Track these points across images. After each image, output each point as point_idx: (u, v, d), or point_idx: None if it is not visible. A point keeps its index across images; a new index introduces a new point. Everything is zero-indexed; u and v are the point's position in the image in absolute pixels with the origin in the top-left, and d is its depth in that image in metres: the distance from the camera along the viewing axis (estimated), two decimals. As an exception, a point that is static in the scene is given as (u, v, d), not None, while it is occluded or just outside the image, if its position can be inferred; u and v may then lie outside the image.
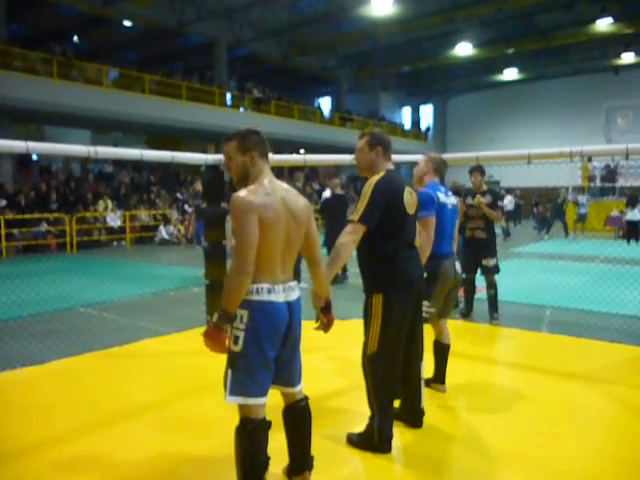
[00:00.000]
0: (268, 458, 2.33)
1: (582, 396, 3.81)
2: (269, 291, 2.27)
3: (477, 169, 5.98)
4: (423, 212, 3.35)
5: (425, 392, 3.36)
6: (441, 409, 3.57)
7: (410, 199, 2.97)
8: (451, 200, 3.85)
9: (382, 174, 2.91)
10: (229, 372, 2.30)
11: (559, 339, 5.32)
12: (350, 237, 2.81)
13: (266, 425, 2.32)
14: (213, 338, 2.24)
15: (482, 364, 4.64)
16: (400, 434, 3.09)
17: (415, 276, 2.98)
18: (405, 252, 2.94)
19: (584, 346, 5.08)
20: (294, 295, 2.37)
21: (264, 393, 2.30)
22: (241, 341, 2.25)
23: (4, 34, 15.86)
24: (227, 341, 2.27)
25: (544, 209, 19.06)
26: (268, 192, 2.28)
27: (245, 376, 2.26)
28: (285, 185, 2.44)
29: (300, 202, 2.41)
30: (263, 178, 2.35)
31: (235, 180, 2.43)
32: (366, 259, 2.96)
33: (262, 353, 2.26)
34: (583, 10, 20.26)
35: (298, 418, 2.51)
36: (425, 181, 3.78)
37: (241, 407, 2.29)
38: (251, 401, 2.26)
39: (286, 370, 2.41)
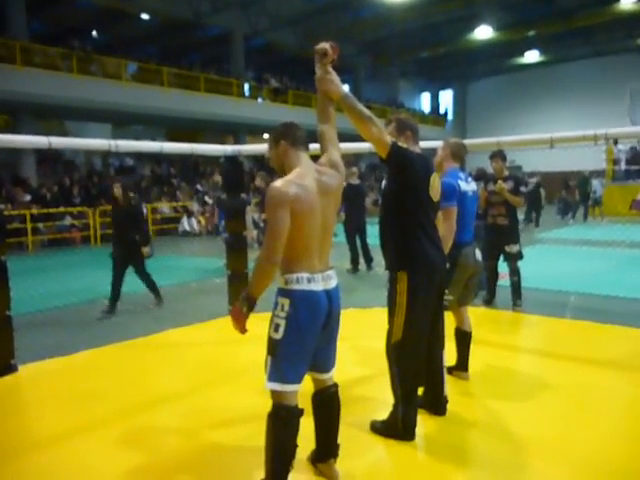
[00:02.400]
0: (296, 446, 2.35)
1: (607, 383, 3.76)
2: (309, 280, 2.29)
3: (498, 154, 5.89)
4: (445, 202, 3.33)
5: (448, 380, 3.36)
6: (464, 397, 3.56)
7: (436, 186, 2.96)
8: (471, 186, 3.80)
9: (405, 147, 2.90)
10: (269, 359, 2.34)
11: (583, 325, 5.25)
12: (379, 136, 2.73)
13: (299, 412, 2.34)
14: (235, 318, 2.33)
15: (505, 351, 4.60)
16: (423, 422, 3.09)
17: (438, 262, 2.94)
18: (428, 236, 2.91)
19: (609, 332, 5.01)
20: (333, 283, 2.39)
21: (300, 379, 2.34)
22: (282, 329, 2.28)
23: (25, 31, 16.04)
24: (246, 323, 2.33)
25: (569, 193, 18.76)
26: (303, 182, 2.29)
27: (284, 363, 2.29)
28: (322, 168, 2.45)
29: (334, 183, 2.43)
30: (298, 167, 2.37)
31: (277, 171, 2.48)
32: (390, 237, 2.95)
33: (302, 341, 2.29)
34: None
35: (328, 404, 2.54)
36: (444, 167, 3.74)
37: (275, 394, 2.32)
38: (288, 387, 2.30)
39: (322, 356, 2.45)
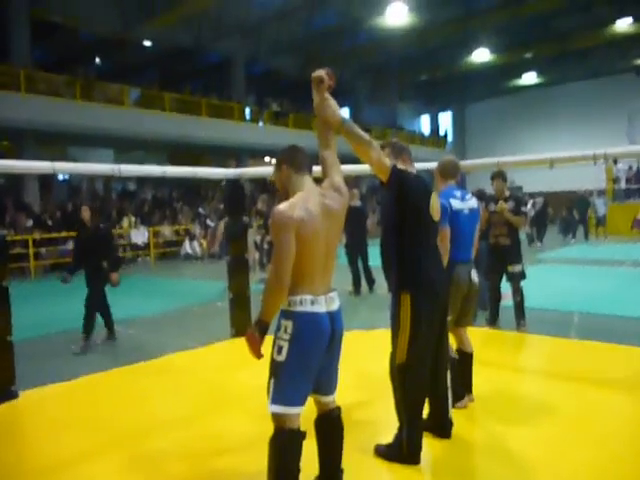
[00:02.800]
0: (299, 470, 2.33)
1: (613, 404, 3.71)
2: (312, 302, 2.30)
3: (498, 175, 5.92)
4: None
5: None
6: (469, 419, 3.51)
7: (436, 206, 2.99)
8: (468, 204, 3.73)
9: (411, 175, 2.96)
10: (272, 381, 2.33)
11: (588, 345, 5.21)
12: (379, 160, 2.77)
13: (302, 435, 2.33)
14: (249, 343, 2.34)
15: (510, 372, 4.56)
16: (428, 445, 3.05)
17: (440, 283, 2.94)
18: (430, 257, 2.93)
19: (614, 352, 4.96)
20: (335, 305, 2.40)
21: (303, 402, 2.34)
22: (285, 351, 2.28)
23: (28, 59, 16.29)
24: (261, 348, 2.33)
25: (568, 213, 18.83)
26: (307, 205, 2.31)
27: (287, 385, 2.29)
28: (325, 191, 2.47)
29: (337, 205, 2.44)
30: (301, 191, 2.39)
31: (281, 195, 2.49)
32: (391, 259, 2.94)
33: (305, 363, 2.29)
34: (601, 12, 20.05)
35: (331, 428, 2.51)
36: (439, 187, 3.74)
37: (278, 417, 2.30)
38: (291, 410, 2.29)
39: (325, 378, 2.44)
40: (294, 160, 2.46)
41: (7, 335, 4.16)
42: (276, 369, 2.31)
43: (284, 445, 2.29)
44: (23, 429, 3.87)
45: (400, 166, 2.91)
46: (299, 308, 2.29)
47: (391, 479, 2.87)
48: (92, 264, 6.01)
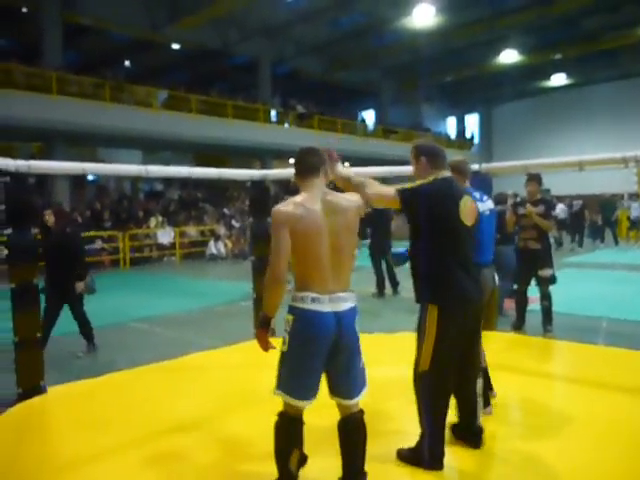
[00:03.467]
0: (304, 455, 2.57)
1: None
2: (313, 300, 2.38)
3: (534, 178, 5.80)
4: None
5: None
6: (495, 425, 3.47)
7: (467, 209, 2.81)
8: (487, 205, 3.70)
9: (424, 180, 2.82)
10: (278, 368, 2.52)
11: (616, 352, 5.10)
12: (377, 194, 2.79)
13: (298, 423, 2.52)
14: (257, 337, 2.57)
15: (536, 378, 4.48)
16: (452, 452, 3.02)
17: (472, 293, 2.83)
18: (461, 265, 2.79)
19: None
20: (344, 306, 2.41)
21: (304, 397, 2.44)
22: (286, 343, 2.47)
23: (60, 62, 16.65)
24: (268, 340, 2.54)
25: (596, 217, 18.44)
26: (305, 204, 2.40)
27: (289, 376, 2.46)
28: (339, 196, 2.55)
29: (345, 203, 2.51)
30: (305, 191, 2.50)
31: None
32: (419, 267, 2.84)
33: (303, 357, 2.41)
34: (630, 11, 19.60)
35: (353, 430, 2.53)
36: None
37: (284, 401, 2.51)
38: (291, 401, 2.46)
39: (343, 381, 2.49)
40: (301, 164, 2.58)
41: (36, 332, 4.26)
42: (281, 358, 2.50)
43: (281, 427, 2.50)
44: (48, 425, 3.95)
45: (409, 185, 2.81)
46: (300, 304, 2.40)
47: (413, 484, 2.84)
48: (62, 274, 5.45)
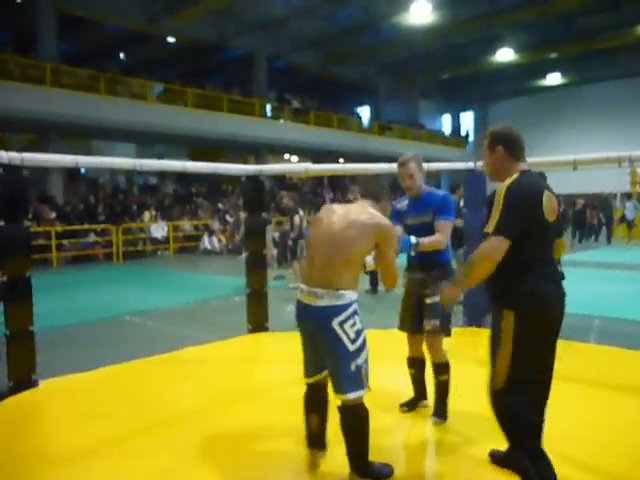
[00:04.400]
0: (315, 422, 2.84)
1: (634, 410, 3.66)
2: (300, 290, 2.68)
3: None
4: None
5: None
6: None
7: (549, 205, 2.47)
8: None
9: (514, 177, 2.46)
10: None
11: (608, 350, 5.13)
12: (486, 256, 2.38)
13: (308, 393, 2.84)
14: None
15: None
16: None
17: (554, 298, 2.47)
18: (543, 268, 2.47)
19: (635, 358, 4.88)
20: (317, 301, 2.58)
21: (306, 374, 2.78)
22: None
23: (54, 53, 16.54)
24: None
25: (591, 216, 18.54)
26: (322, 213, 2.80)
27: None
28: (352, 207, 2.80)
29: (349, 213, 2.72)
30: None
31: None
32: (497, 271, 2.43)
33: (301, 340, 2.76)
34: (629, 11, 19.66)
35: (341, 420, 2.69)
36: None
37: None
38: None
39: (330, 375, 2.67)
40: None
41: (29, 325, 4.24)
42: None
43: (305, 393, 2.85)
44: (41, 418, 3.94)
45: (495, 161, 2.57)
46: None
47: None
48: None
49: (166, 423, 3.57)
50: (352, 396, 2.59)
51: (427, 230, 3.38)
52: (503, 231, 2.35)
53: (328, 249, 2.61)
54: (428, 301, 3.39)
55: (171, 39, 21.27)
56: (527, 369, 2.41)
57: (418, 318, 3.45)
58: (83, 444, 3.27)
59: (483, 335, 5.03)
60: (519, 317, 2.38)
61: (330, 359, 2.60)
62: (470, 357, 4.14)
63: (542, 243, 2.47)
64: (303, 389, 2.84)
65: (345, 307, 2.56)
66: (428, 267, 3.40)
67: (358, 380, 2.58)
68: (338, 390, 2.62)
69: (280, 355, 5.28)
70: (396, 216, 3.46)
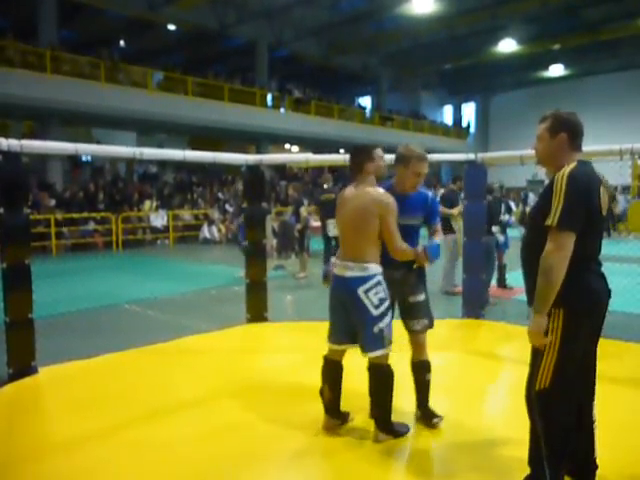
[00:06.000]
0: (333, 390, 3.14)
1: (630, 401, 3.67)
2: (333, 264, 3.11)
3: None
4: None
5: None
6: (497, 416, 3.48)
7: (604, 198, 2.38)
8: None
9: (574, 165, 2.31)
10: None
11: (605, 343, 5.12)
12: (556, 255, 2.21)
13: (329, 363, 3.18)
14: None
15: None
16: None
17: (603, 296, 2.40)
18: (593, 264, 2.39)
19: (632, 350, 4.89)
20: (346, 273, 2.98)
21: (332, 341, 3.13)
22: None
23: (55, 40, 16.44)
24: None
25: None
26: (345, 193, 3.15)
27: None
28: (365, 188, 3.03)
29: (358, 203, 3.01)
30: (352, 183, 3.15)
31: None
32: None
33: (329, 306, 3.14)
34: (633, 2, 19.50)
35: (370, 377, 3.05)
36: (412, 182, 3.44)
37: None
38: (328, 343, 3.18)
39: (358, 336, 3.02)
40: (351, 162, 3.14)
41: (28, 312, 4.25)
42: None
43: (323, 364, 3.20)
44: (41, 405, 3.95)
45: (554, 148, 2.40)
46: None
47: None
48: None
49: (164, 411, 3.59)
50: (376, 354, 2.96)
51: (414, 232, 3.22)
52: (568, 224, 2.20)
53: (352, 228, 3.01)
54: (412, 300, 3.24)
55: (172, 27, 21.13)
56: (574, 369, 2.34)
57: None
58: (82, 431, 3.29)
59: (481, 327, 5.10)
60: (570, 315, 2.29)
61: (357, 322, 2.98)
62: (469, 349, 4.16)
63: (595, 238, 2.38)
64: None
65: (370, 278, 2.94)
66: (407, 264, 3.12)
67: (379, 341, 2.96)
68: (364, 349, 2.99)
69: (279, 345, 5.30)
70: None
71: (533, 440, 2.48)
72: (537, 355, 2.38)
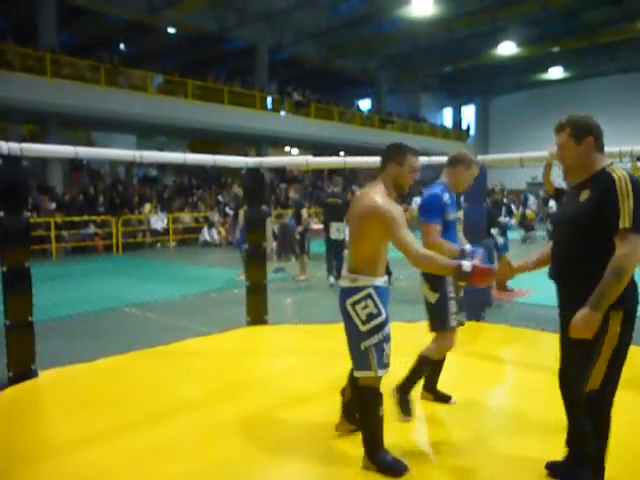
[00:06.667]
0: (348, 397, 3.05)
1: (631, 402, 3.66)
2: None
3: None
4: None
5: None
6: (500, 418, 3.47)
7: None
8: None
9: (620, 170, 2.31)
10: None
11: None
12: (632, 258, 2.20)
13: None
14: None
15: (528, 369, 4.51)
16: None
17: None
18: None
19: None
20: (341, 282, 2.81)
21: None
22: None
23: (55, 43, 16.46)
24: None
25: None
26: (356, 194, 3.05)
27: None
28: (369, 194, 2.75)
29: (356, 210, 2.78)
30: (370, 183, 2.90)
31: None
32: (590, 267, 2.30)
33: None
34: (632, 5, 19.53)
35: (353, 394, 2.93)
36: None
37: None
38: None
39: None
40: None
41: (28, 315, 4.25)
42: None
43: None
44: (41, 408, 3.95)
45: (583, 153, 2.39)
46: None
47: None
48: None
49: (165, 414, 3.58)
50: (362, 374, 2.72)
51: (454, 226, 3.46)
52: None
53: (350, 236, 2.84)
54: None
55: (172, 30, 21.16)
56: (620, 368, 2.36)
57: None
58: (82, 434, 3.28)
59: (482, 329, 5.09)
60: (627, 316, 2.30)
61: (347, 335, 2.77)
62: (470, 352, 4.15)
63: None
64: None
65: (359, 290, 2.69)
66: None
67: (365, 361, 2.68)
68: (353, 366, 2.80)
69: (279, 347, 5.29)
70: (441, 209, 3.31)
71: (576, 440, 2.45)
72: (588, 356, 2.34)
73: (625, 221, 2.19)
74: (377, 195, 2.70)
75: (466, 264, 2.51)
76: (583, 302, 2.26)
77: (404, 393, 3.35)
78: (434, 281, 3.30)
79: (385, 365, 2.69)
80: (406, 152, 2.81)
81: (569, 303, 2.40)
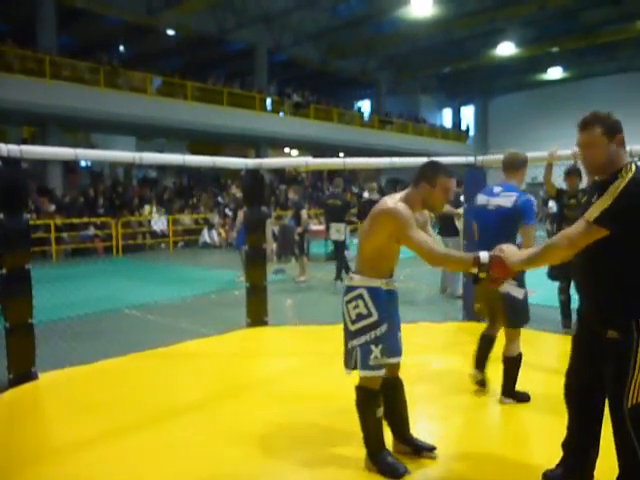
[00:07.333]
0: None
1: None
2: None
3: (574, 172, 5.46)
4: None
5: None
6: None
7: None
8: (496, 201, 3.65)
9: (633, 169, 2.28)
10: None
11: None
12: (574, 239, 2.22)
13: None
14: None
15: (541, 373, 4.49)
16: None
17: None
18: None
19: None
20: (345, 281, 2.91)
21: None
22: None
23: (54, 45, 16.46)
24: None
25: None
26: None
27: None
28: (385, 199, 2.77)
29: (371, 212, 2.76)
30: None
31: None
32: (625, 284, 2.23)
33: None
34: (631, 5, 19.55)
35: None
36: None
37: None
38: None
39: None
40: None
41: (28, 317, 4.24)
42: None
43: None
44: (41, 410, 3.95)
45: (614, 151, 2.37)
46: None
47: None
48: None
49: (165, 416, 3.58)
50: (346, 372, 2.77)
51: None
52: (603, 221, 2.19)
53: (358, 238, 2.89)
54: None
55: (171, 32, 21.16)
56: None
57: None
58: (82, 436, 3.28)
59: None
60: None
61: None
62: (470, 352, 4.14)
63: None
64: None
65: (353, 289, 2.74)
66: None
67: (352, 359, 2.72)
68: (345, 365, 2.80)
69: (279, 349, 5.29)
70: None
71: (623, 455, 2.31)
72: (625, 370, 2.24)
73: (593, 213, 2.18)
74: (390, 200, 2.70)
75: (484, 255, 2.44)
76: (595, 301, 2.29)
77: (511, 396, 3.55)
78: (520, 278, 3.38)
79: (371, 367, 2.65)
80: (439, 173, 2.73)
81: (593, 309, 2.35)
